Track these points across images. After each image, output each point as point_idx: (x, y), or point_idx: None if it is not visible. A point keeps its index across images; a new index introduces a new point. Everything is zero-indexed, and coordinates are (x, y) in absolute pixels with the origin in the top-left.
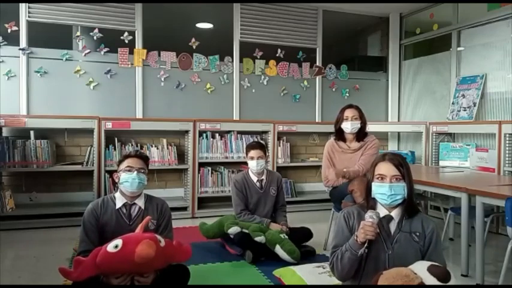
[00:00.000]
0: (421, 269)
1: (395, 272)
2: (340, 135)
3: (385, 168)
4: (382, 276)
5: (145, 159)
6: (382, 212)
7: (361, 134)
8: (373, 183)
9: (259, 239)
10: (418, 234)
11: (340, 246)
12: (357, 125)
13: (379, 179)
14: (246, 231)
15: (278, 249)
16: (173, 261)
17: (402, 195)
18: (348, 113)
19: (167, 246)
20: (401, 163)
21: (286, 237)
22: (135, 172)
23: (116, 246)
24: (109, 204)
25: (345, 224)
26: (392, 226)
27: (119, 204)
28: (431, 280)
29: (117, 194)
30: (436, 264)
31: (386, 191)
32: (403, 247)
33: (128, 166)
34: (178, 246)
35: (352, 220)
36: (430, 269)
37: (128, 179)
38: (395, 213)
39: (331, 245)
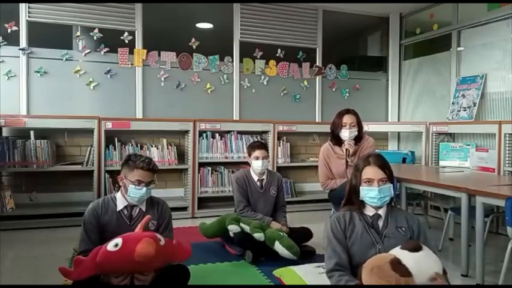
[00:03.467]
0: (394, 249)
1: (373, 257)
2: (336, 140)
3: (372, 172)
4: (363, 266)
5: (156, 171)
6: (370, 211)
7: (357, 139)
8: (361, 187)
9: (258, 236)
10: (404, 228)
11: (341, 264)
12: (355, 132)
13: (367, 183)
14: (247, 227)
15: (277, 246)
16: (173, 260)
17: (389, 195)
18: (347, 119)
19: (167, 245)
20: (385, 165)
21: (286, 235)
22: (145, 188)
23: (116, 245)
24: (110, 204)
25: (335, 239)
26: (380, 223)
27: (120, 206)
28: (402, 253)
29: (119, 195)
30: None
31: (376, 195)
32: (392, 240)
33: (138, 180)
34: (178, 245)
35: (343, 224)
36: (402, 245)
37: (136, 194)
38: (382, 211)
39: (330, 264)
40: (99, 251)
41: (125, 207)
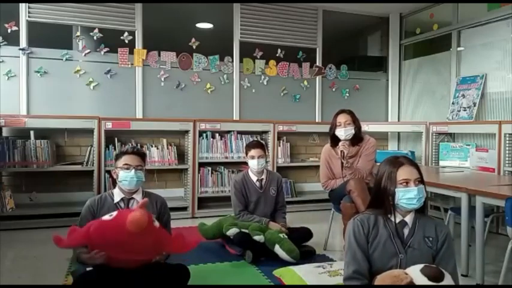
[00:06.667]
0: (414, 270)
1: (387, 273)
2: (335, 141)
3: (409, 172)
4: (375, 278)
5: (142, 155)
6: (397, 218)
7: (356, 139)
8: (397, 190)
9: (258, 238)
10: (431, 239)
11: (360, 271)
12: (351, 130)
13: (403, 184)
14: (246, 231)
15: (277, 249)
16: (166, 249)
17: (424, 196)
18: (341, 118)
19: (160, 230)
20: (417, 165)
21: (286, 236)
22: (133, 170)
23: (111, 215)
24: (107, 199)
25: (356, 244)
26: (406, 231)
27: (117, 199)
28: (421, 280)
29: (116, 190)
30: (431, 265)
31: (415, 195)
32: (416, 251)
33: (126, 164)
34: (176, 237)
35: (366, 228)
36: (423, 270)
37: (126, 177)
38: (408, 219)
39: (348, 271)
40: (94, 221)
41: (122, 199)
